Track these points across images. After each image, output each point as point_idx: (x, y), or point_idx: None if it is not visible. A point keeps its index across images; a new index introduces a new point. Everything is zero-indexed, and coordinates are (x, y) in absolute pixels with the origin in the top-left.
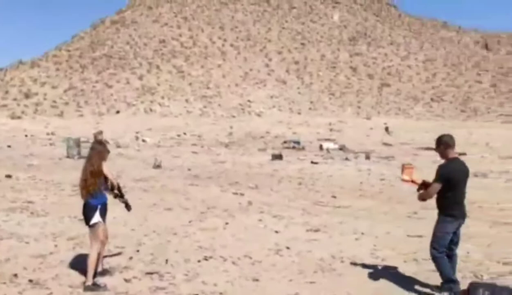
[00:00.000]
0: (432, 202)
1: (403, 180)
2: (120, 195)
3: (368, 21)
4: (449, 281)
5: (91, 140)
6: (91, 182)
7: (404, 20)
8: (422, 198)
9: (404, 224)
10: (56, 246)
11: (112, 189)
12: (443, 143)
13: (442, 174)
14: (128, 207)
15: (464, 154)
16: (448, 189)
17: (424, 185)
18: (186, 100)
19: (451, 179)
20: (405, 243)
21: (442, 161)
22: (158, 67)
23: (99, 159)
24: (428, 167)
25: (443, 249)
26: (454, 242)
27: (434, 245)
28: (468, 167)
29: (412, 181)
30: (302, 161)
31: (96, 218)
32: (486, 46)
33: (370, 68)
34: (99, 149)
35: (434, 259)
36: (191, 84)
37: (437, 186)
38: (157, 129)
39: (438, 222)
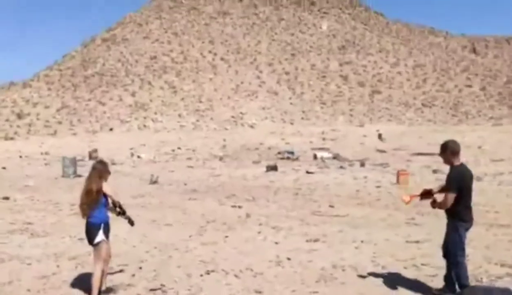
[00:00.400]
0: (428, 208)
1: (406, 202)
2: (122, 212)
3: (356, 30)
4: (463, 286)
5: (86, 158)
6: (91, 201)
7: (392, 28)
8: (440, 208)
9: (402, 230)
10: (58, 266)
11: (114, 207)
12: (450, 150)
13: (456, 182)
14: (131, 222)
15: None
16: (460, 195)
17: (427, 193)
18: (179, 115)
19: (463, 186)
20: (404, 249)
21: (445, 167)
22: (150, 83)
23: (99, 178)
24: (421, 172)
25: (463, 252)
26: None
27: (456, 250)
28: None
29: (412, 197)
30: (297, 171)
31: (100, 236)
32: (474, 50)
33: (360, 76)
34: (99, 167)
35: (457, 264)
36: (184, 99)
37: (453, 195)
38: (151, 145)
39: (453, 229)
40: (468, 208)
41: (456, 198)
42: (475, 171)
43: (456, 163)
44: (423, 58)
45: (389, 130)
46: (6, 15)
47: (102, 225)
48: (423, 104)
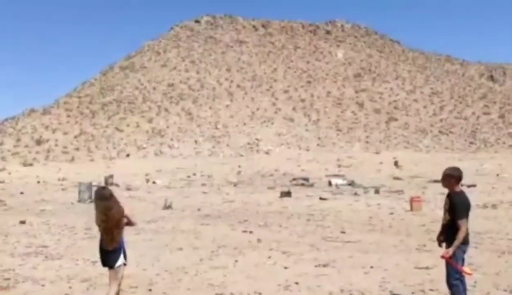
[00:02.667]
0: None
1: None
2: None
3: (372, 58)
4: None
5: (102, 184)
6: (117, 232)
7: (408, 55)
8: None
9: (412, 256)
10: (70, 287)
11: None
12: (457, 177)
13: (465, 209)
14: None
15: (474, 186)
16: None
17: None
18: (195, 141)
19: (468, 211)
20: (413, 274)
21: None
22: (167, 110)
23: (118, 205)
24: (436, 199)
25: (458, 274)
26: None
27: (452, 272)
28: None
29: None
30: (311, 197)
31: (121, 260)
32: (491, 78)
33: (376, 103)
34: (104, 194)
35: (452, 286)
36: (200, 126)
37: (466, 221)
38: (167, 171)
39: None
40: (468, 231)
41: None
42: (492, 198)
43: (459, 189)
44: (440, 85)
45: (405, 158)
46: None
47: (122, 249)
48: (440, 132)
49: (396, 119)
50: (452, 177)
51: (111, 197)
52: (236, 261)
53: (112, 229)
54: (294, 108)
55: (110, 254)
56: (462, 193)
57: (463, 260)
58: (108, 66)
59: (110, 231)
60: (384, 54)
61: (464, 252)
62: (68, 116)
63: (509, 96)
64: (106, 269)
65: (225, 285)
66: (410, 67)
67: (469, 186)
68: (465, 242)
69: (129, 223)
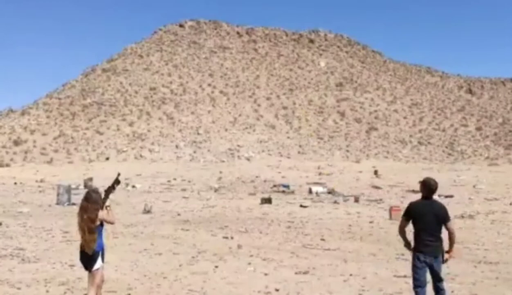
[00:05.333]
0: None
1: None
2: (113, 187)
3: (354, 68)
4: None
5: (81, 187)
6: (94, 237)
7: (389, 66)
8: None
9: (391, 265)
10: (47, 291)
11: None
12: (437, 186)
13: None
14: (117, 181)
15: (451, 196)
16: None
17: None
18: (176, 146)
19: (411, 217)
20: (392, 283)
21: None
22: (148, 114)
23: (96, 210)
24: None
25: (416, 282)
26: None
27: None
28: None
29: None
30: (291, 204)
31: (99, 263)
32: (470, 91)
33: (357, 113)
34: (94, 198)
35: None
36: (181, 130)
37: (401, 223)
38: (147, 175)
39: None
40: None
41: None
42: (468, 209)
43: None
44: (420, 97)
45: (385, 167)
46: (8, 42)
47: (100, 251)
48: (419, 142)
49: (376, 129)
50: (436, 188)
51: (94, 202)
52: (216, 267)
53: (91, 232)
54: (276, 116)
55: (89, 255)
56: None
57: (419, 268)
58: (90, 68)
59: (89, 234)
60: (366, 64)
61: (418, 259)
62: (48, 117)
63: (486, 109)
64: (84, 272)
65: (204, 291)
66: (391, 78)
67: (446, 196)
68: (416, 249)
69: (107, 222)
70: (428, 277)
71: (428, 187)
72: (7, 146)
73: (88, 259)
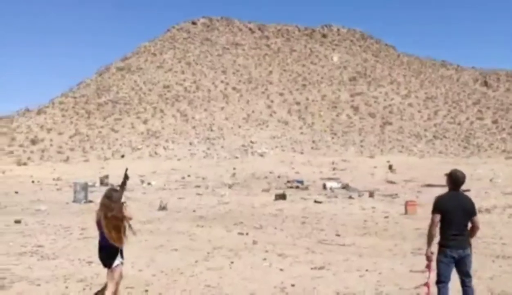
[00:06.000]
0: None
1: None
2: (124, 182)
3: (367, 62)
4: None
5: (97, 184)
6: (122, 234)
7: (403, 60)
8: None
9: (408, 260)
10: (67, 288)
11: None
12: (446, 180)
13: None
14: (126, 176)
15: (467, 190)
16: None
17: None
18: (190, 143)
19: (439, 210)
20: (408, 278)
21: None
22: (162, 111)
23: (120, 208)
24: (431, 203)
25: (439, 278)
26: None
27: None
28: None
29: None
30: (305, 200)
31: (118, 259)
32: (485, 84)
33: (371, 107)
34: (116, 196)
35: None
36: (195, 127)
37: (433, 218)
38: (162, 172)
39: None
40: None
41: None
42: (485, 203)
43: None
44: (434, 90)
45: (400, 162)
46: (24, 43)
47: (120, 248)
48: (434, 136)
49: (390, 124)
50: (464, 180)
51: (116, 200)
52: (232, 262)
53: (120, 228)
54: (289, 111)
55: (108, 252)
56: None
57: (445, 263)
58: (104, 67)
59: (118, 230)
60: (380, 58)
61: (445, 254)
62: (63, 116)
63: (502, 102)
64: (102, 269)
65: (221, 287)
66: (405, 71)
67: (463, 191)
68: (443, 244)
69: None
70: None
71: (455, 179)
72: (24, 145)
73: (108, 255)
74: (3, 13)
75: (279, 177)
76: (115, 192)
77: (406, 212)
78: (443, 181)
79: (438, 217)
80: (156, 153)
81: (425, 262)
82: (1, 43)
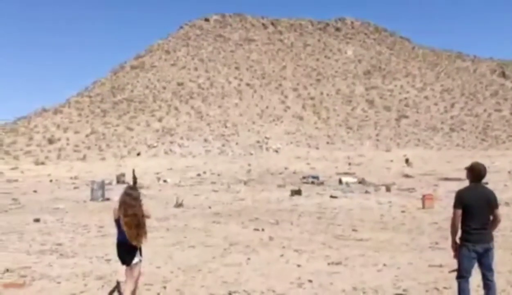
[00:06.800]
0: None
1: None
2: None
3: (382, 55)
4: None
5: (114, 182)
6: (144, 231)
7: (418, 52)
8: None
9: (425, 254)
10: (85, 285)
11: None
12: (466, 173)
13: (455, 200)
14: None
15: (486, 183)
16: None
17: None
18: (205, 140)
19: (461, 204)
20: (426, 273)
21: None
22: (176, 108)
23: (141, 206)
24: (448, 197)
25: (461, 273)
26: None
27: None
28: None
29: None
30: (321, 195)
31: (138, 257)
32: (503, 74)
33: (386, 101)
34: (136, 194)
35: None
36: (209, 124)
37: (455, 212)
38: (177, 169)
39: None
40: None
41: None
42: (504, 195)
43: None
44: (451, 82)
45: (416, 155)
46: (39, 44)
47: (138, 247)
48: (451, 129)
49: (406, 117)
50: (485, 173)
51: (136, 197)
52: (249, 258)
53: (141, 225)
54: (303, 106)
55: (129, 249)
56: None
57: (468, 258)
58: (118, 66)
59: (139, 227)
60: (394, 51)
61: (467, 249)
62: (79, 115)
63: None
64: (120, 266)
65: (238, 283)
66: (421, 64)
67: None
68: (465, 238)
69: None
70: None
71: (477, 172)
72: (41, 145)
73: (127, 253)
74: (18, 13)
75: (294, 172)
76: (134, 189)
77: (423, 206)
78: (461, 174)
79: (460, 211)
80: (171, 150)
81: (443, 256)
82: (17, 44)
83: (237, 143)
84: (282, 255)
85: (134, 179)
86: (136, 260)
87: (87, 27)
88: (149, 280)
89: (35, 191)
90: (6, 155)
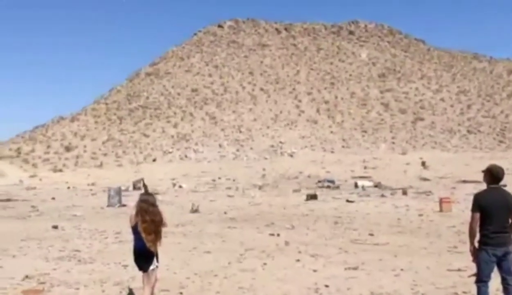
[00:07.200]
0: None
1: None
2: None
3: (396, 57)
4: None
5: (131, 188)
6: (160, 237)
7: (433, 54)
8: None
9: (444, 258)
10: (103, 291)
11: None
12: (483, 174)
13: (473, 204)
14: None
15: (504, 186)
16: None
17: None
18: (220, 145)
19: (479, 207)
20: (445, 277)
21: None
22: (191, 114)
23: (159, 212)
24: (466, 200)
25: (480, 277)
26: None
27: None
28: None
29: None
30: (337, 199)
31: (155, 263)
32: None
33: (402, 103)
34: (153, 200)
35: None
36: (224, 130)
37: (473, 216)
38: (192, 175)
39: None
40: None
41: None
42: None
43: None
44: (467, 83)
45: (433, 158)
46: (55, 53)
47: (155, 253)
48: (468, 131)
49: (422, 119)
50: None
51: (153, 203)
52: (265, 264)
53: (159, 231)
54: (317, 110)
55: (147, 256)
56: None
57: (487, 262)
58: (134, 73)
59: (157, 233)
60: (409, 53)
61: (487, 253)
62: (96, 122)
63: None
64: (137, 272)
65: (254, 288)
66: (436, 66)
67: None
68: (484, 242)
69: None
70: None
71: (495, 174)
72: (59, 152)
73: (145, 259)
74: (34, 23)
75: (309, 176)
76: (149, 195)
77: (440, 209)
78: (478, 176)
79: (478, 215)
80: (186, 156)
81: (462, 260)
82: (35, 54)
83: (251, 148)
84: (298, 260)
85: (145, 188)
86: (153, 266)
87: (102, 35)
88: (166, 286)
89: (53, 198)
90: (25, 163)
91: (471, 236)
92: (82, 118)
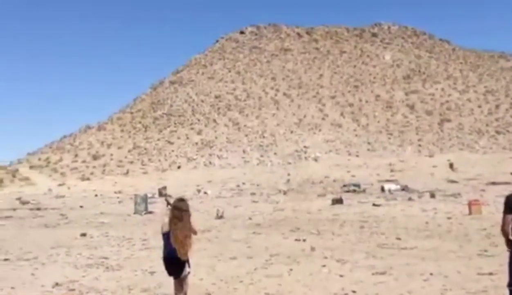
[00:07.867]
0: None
1: None
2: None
3: (421, 58)
4: None
5: (156, 196)
6: (190, 243)
7: (458, 54)
8: None
9: (474, 262)
10: None
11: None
12: None
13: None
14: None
15: None
16: None
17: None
18: (243, 151)
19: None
20: (475, 281)
21: None
22: (215, 121)
23: (189, 217)
24: (496, 202)
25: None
26: None
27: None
28: None
29: None
30: (363, 203)
31: (187, 269)
32: None
33: (428, 105)
34: (185, 206)
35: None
36: (247, 135)
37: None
38: (217, 181)
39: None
40: None
41: None
42: None
43: None
44: (494, 83)
45: (461, 160)
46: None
47: (187, 259)
48: (496, 131)
49: (449, 121)
50: None
51: (186, 209)
52: (291, 269)
53: (179, 238)
54: (342, 114)
55: (180, 262)
56: None
57: None
58: (158, 81)
59: (186, 239)
60: (434, 54)
61: None
62: (122, 131)
63: None
64: (165, 279)
65: (280, 294)
66: (462, 66)
67: None
68: None
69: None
70: None
71: None
72: (86, 161)
73: (177, 266)
74: (60, 34)
75: (334, 181)
76: (182, 201)
77: (470, 212)
78: (509, 178)
79: (510, 217)
80: (210, 163)
81: (493, 264)
82: (60, 64)
83: (275, 154)
84: (324, 266)
85: (167, 202)
86: (186, 272)
87: (126, 44)
88: (192, 292)
89: (81, 206)
90: (54, 172)
91: (505, 233)
92: (108, 127)
